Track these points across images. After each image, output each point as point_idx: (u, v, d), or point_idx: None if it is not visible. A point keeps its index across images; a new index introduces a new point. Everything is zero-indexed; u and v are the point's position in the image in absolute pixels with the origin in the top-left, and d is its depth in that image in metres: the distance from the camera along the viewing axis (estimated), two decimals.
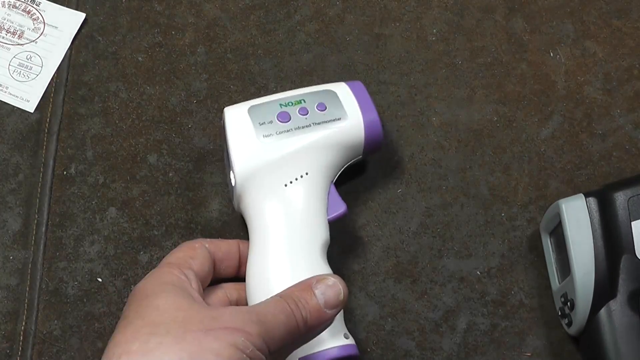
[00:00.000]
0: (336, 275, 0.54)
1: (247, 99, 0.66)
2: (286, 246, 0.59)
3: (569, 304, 0.61)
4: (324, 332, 0.56)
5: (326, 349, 0.57)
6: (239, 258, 0.61)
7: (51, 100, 0.70)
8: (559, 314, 0.63)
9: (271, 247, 0.59)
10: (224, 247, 0.60)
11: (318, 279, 0.53)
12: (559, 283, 0.63)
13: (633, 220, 0.59)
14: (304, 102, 0.62)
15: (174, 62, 0.71)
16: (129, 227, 0.66)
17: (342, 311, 0.59)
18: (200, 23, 0.72)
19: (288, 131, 0.61)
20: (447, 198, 0.67)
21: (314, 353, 0.57)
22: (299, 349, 0.56)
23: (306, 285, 0.53)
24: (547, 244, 0.64)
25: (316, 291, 0.53)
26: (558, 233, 0.62)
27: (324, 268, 0.59)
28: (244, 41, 0.72)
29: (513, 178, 0.68)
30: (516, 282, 0.65)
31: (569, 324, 0.61)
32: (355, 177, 0.67)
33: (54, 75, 0.70)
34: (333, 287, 0.53)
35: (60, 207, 0.67)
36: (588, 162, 0.68)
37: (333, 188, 0.62)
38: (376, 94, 0.69)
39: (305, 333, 0.52)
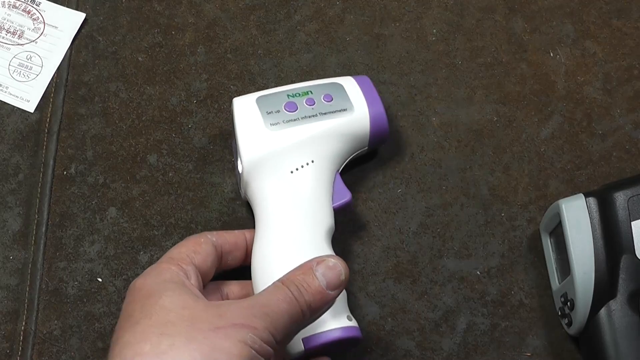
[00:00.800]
0: (336, 256, 0.54)
1: None
2: (291, 231, 0.60)
3: (568, 304, 0.61)
4: (326, 313, 0.56)
5: (329, 330, 0.57)
6: (246, 248, 0.61)
7: (51, 100, 0.70)
8: (559, 314, 0.63)
9: (277, 233, 0.60)
10: (231, 239, 0.60)
11: (318, 260, 0.53)
12: (559, 283, 0.63)
13: (633, 220, 0.59)
14: (311, 93, 0.63)
15: (174, 62, 0.71)
16: (129, 227, 0.66)
17: (345, 294, 0.60)
18: (200, 23, 0.72)
19: (295, 120, 0.62)
20: (447, 198, 0.67)
21: (317, 334, 0.57)
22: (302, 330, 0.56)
23: (307, 268, 0.53)
24: (547, 243, 0.65)
25: (317, 273, 0.53)
26: (558, 233, 0.62)
27: (327, 251, 0.60)
28: (244, 41, 0.72)
29: (513, 178, 0.68)
30: (516, 282, 0.65)
31: (569, 324, 0.61)
32: (355, 176, 0.67)
33: (54, 75, 0.70)
34: (334, 268, 0.53)
35: (60, 207, 0.67)
36: (588, 162, 0.68)
37: (338, 177, 0.63)
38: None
39: (309, 317, 0.52)
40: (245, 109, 0.63)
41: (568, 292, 0.61)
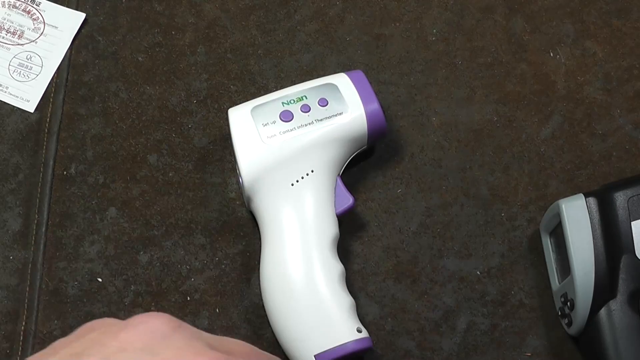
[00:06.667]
0: None
1: (247, 99, 0.66)
2: (297, 244, 0.60)
3: (569, 304, 0.61)
4: (338, 327, 0.56)
5: (341, 345, 0.57)
6: None
7: (51, 100, 0.70)
8: (559, 314, 0.63)
9: (282, 246, 0.60)
10: None
11: None
12: (559, 283, 0.63)
13: (633, 220, 0.59)
14: (306, 98, 0.63)
15: (174, 62, 0.71)
16: (129, 227, 0.66)
17: (354, 306, 0.60)
18: (200, 23, 0.72)
19: (291, 130, 0.62)
20: (447, 198, 0.67)
21: (329, 349, 0.57)
22: (313, 345, 0.57)
23: None
24: (547, 244, 0.65)
25: None
26: (558, 233, 0.62)
27: (333, 263, 0.60)
28: (244, 41, 0.72)
29: (513, 178, 0.68)
30: (516, 282, 0.65)
31: (569, 324, 0.61)
32: (355, 177, 0.67)
33: (54, 75, 0.70)
34: None
35: (60, 207, 0.67)
36: (588, 162, 0.68)
37: (340, 181, 0.63)
38: (376, 94, 0.69)
39: None
40: (241, 123, 0.63)
41: (568, 292, 0.61)
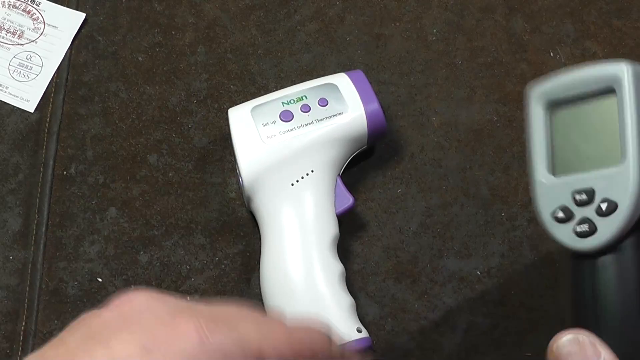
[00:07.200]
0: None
1: (247, 99, 0.66)
2: (297, 244, 0.60)
3: (603, 205, 0.46)
4: (338, 327, 0.57)
5: (341, 344, 0.58)
6: None
7: (51, 100, 0.70)
8: (560, 217, 0.48)
9: (282, 246, 0.60)
10: None
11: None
12: (556, 173, 0.50)
13: None
14: (306, 98, 0.63)
15: (174, 62, 0.71)
16: (129, 227, 0.66)
17: (354, 306, 0.60)
18: (200, 23, 0.72)
19: (291, 130, 0.62)
20: (447, 198, 0.67)
21: None
22: None
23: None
24: (544, 120, 0.51)
25: None
26: (568, 108, 0.49)
27: (333, 263, 0.60)
28: (244, 41, 0.72)
29: (513, 178, 0.68)
30: (516, 282, 0.65)
31: (589, 232, 0.46)
32: (355, 176, 0.67)
33: (54, 75, 0.70)
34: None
35: (60, 207, 0.67)
36: None
37: (340, 181, 0.63)
38: (376, 94, 0.69)
39: None
40: (241, 123, 0.63)
41: (597, 189, 0.46)
